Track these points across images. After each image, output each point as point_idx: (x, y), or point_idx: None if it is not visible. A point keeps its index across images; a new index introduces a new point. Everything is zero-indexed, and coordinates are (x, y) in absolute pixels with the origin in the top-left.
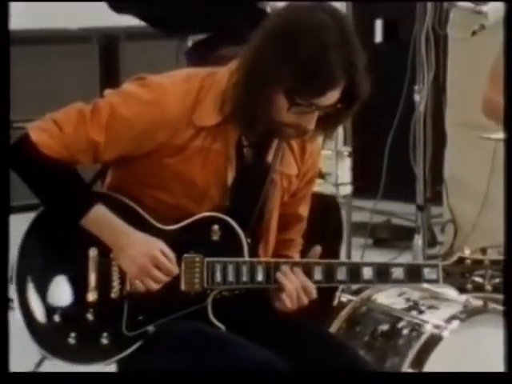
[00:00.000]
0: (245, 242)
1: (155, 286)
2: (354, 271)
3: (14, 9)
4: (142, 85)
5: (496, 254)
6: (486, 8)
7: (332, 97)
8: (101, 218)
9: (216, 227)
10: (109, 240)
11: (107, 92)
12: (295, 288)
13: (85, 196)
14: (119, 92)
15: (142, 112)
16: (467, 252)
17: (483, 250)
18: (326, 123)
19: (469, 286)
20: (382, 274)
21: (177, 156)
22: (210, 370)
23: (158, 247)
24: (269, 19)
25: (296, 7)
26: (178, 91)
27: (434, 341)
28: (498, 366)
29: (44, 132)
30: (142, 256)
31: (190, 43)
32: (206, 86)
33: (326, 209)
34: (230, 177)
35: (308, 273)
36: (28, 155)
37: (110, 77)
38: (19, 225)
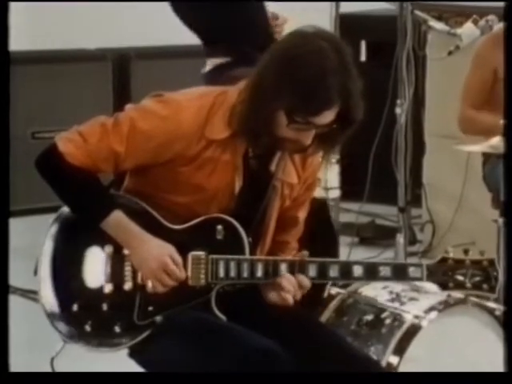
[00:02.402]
0: (246, 241)
1: (162, 289)
2: (346, 269)
3: (37, 31)
4: (159, 101)
5: (477, 255)
6: (460, 31)
7: (327, 117)
8: (118, 222)
9: (220, 227)
10: (124, 241)
11: (128, 107)
12: (293, 286)
13: (105, 202)
14: (139, 107)
15: (159, 126)
16: (451, 253)
17: (466, 251)
18: (325, 142)
19: (451, 284)
20: (371, 272)
21: (189, 165)
22: (212, 356)
23: (168, 253)
24: (275, 44)
25: (300, 34)
26: (193, 107)
27: (414, 330)
28: (472, 354)
29: (70, 142)
30: (154, 261)
31: (208, 66)
32: (217, 103)
33: (315, 211)
34: (237, 184)
35: (303, 270)
36: (55, 163)
37: (122, 92)
38: (19, 228)
